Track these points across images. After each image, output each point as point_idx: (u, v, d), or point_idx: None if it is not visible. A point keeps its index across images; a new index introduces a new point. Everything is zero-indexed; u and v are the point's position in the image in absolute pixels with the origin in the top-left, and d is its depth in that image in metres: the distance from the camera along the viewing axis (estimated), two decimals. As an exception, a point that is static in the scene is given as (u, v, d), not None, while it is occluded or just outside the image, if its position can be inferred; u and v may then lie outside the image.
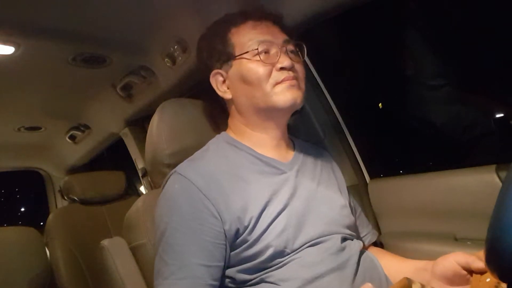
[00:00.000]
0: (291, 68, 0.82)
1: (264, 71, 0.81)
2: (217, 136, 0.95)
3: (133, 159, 2.01)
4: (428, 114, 1.44)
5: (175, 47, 1.29)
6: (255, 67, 0.82)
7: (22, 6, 1.05)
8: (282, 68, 0.81)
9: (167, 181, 0.82)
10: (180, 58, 1.31)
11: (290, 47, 0.86)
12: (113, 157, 2.76)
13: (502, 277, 0.48)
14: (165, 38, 1.30)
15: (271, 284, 0.74)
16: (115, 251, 1.12)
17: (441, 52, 1.35)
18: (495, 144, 1.31)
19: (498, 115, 1.36)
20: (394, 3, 1.34)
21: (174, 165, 0.86)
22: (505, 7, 1.07)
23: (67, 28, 1.20)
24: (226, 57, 0.86)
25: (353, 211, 0.94)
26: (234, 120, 0.91)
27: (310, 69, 1.29)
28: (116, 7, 1.13)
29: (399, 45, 1.44)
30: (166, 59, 1.35)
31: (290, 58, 0.83)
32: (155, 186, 1.36)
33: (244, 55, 0.83)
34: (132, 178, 2.48)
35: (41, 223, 2.99)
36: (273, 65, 0.82)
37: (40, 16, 1.12)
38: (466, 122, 1.37)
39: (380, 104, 1.45)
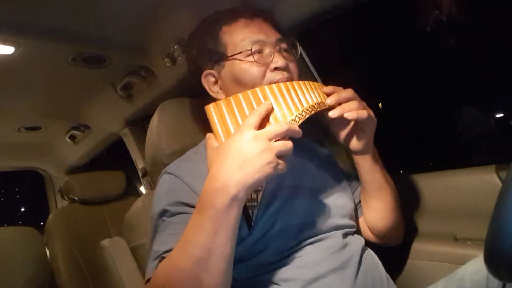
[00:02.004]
0: (285, 68, 0.80)
1: (258, 72, 0.79)
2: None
3: (133, 159, 2.01)
4: (428, 114, 1.44)
5: (175, 47, 1.29)
6: (248, 68, 0.80)
7: (22, 6, 1.05)
8: (276, 68, 0.79)
9: (158, 181, 0.84)
10: (180, 58, 1.31)
11: (284, 45, 0.84)
12: (113, 157, 2.75)
13: (502, 277, 0.48)
14: (165, 38, 1.30)
15: (272, 284, 0.73)
16: (115, 251, 1.13)
17: (441, 51, 1.34)
18: (495, 144, 1.31)
19: (498, 115, 1.36)
20: (393, 3, 1.34)
21: (174, 165, 0.86)
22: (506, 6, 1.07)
23: (67, 28, 1.20)
24: (218, 57, 0.83)
25: (356, 202, 0.93)
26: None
27: (310, 69, 1.28)
28: (116, 7, 1.12)
29: (399, 44, 1.44)
30: (166, 59, 1.35)
31: (284, 57, 0.81)
32: (155, 186, 1.35)
33: (237, 56, 0.81)
34: (132, 178, 2.47)
35: (41, 223, 2.99)
36: (267, 65, 0.80)
37: (40, 16, 1.11)
38: (466, 122, 1.37)
39: (380, 104, 1.45)
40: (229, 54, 0.82)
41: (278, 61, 0.79)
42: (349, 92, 0.77)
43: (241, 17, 0.84)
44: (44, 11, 1.09)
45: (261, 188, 0.71)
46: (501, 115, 1.35)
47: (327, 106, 0.76)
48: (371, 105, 0.82)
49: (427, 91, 1.43)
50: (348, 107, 0.75)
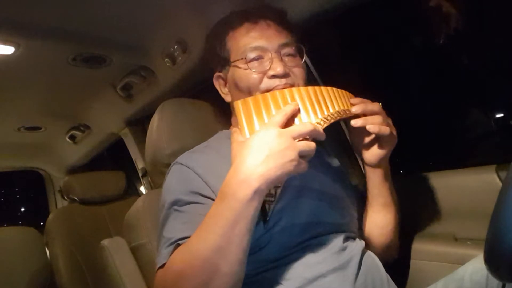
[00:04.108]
0: (284, 75, 0.80)
1: (255, 79, 0.80)
2: (219, 133, 0.95)
3: (133, 159, 2.00)
4: (429, 114, 1.44)
5: (175, 47, 1.29)
6: (245, 75, 0.81)
7: (22, 6, 1.05)
8: (273, 76, 0.80)
9: (169, 172, 0.84)
10: (180, 58, 1.31)
11: (287, 50, 0.83)
12: (113, 157, 2.75)
13: (502, 277, 0.49)
14: (165, 38, 1.30)
15: (274, 282, 0.74)
16: (115, 251, 1.13)
17: (441, 51, 1.34)
18: (495, 144, 1.31)
19: (498, 115, 1.36)
20: (394, 2, 1.34)
21: (174, 165, 0.86)
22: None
23: (67, 28, 1.20)
24: (224, 62, 0.86)
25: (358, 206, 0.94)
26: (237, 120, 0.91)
27: (310, 69, 1.28)
28: (116, 7, 1.12)
29: (399, 44, 1.44)
30: (166, 59, 1.35)
31: (285, 64, 0.81)
32: (155, 186, 1.35)
33: (237, 62, 0.82)
34: (132, 178, 2.47)
35: (41, 223, 2.99)
36: (264, 73, 0.80)
37: (40, 16, 1.11)
38: (466, 122, 1.37)
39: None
40: (231, 60, 0.84)
41: (277, 67, 0.79)
42: (376, 106, 0.78)
43: (246, 21, 0.84)
44: (44, 11, 1.09)
45: (280, 185, 0.72)
46: (501, 115, 1.34)
47: (352, 115, 0.76)
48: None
49: (427, 91, 1.43)
50: (372, 120, 0.76)
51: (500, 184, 0.85)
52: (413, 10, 1.34)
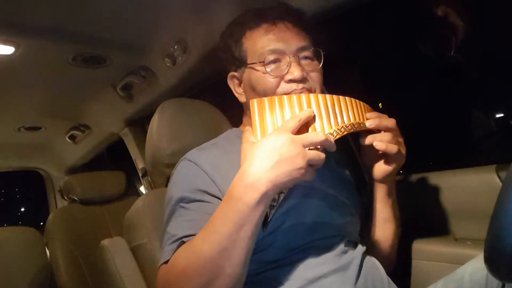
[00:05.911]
0: (302, 80, 0.79)
1: (272, 83, 0.79)
2: (228, 130, 0.95)
3: (133, 159, 2.01)
4: (429, 114, 1.44)
5: (175, 47, 1.29)
6: (262, 78, 0.80)
7: (22, 6, 1.05)
8: (291, 80, 0.79)
9: (176, 167, 0.84)
10: (180, 58, 1.31)
11: (305, 53, 0.82)
12: (113, 157, 2.75)
13: (502, 277, 0.49)
14: (165, 38, 1.30)
15: (275, 282, 0.74)
16: (115, 251, 1.12)
17: (441, 51, 1.34)
18: (495, 144, 1.31)
19: (498, 115, 1.36)
20: (395, 2, 1.34)
21: (174, 165, 0.86)
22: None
23: (67, 28, 1.20)
24: (239, 62, 0.85)
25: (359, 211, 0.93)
26: (249, 120, 0.90)
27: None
28: (116, 7, 1.13)
29: (399, 44, 1.44)
30: (166, 59, 1.35)
31: (303, 68, 0.80)
32: (155, 186, 1.35)
33: (254, 65, 0.81)
34: (132, 178, 2.47)
35: (41, 223, 2.99)
36: (281, 77, 0.79)
37: (40, 16, 1.12)
38: (466, 122, 1.37)
39: (380, 104, 1.45)
40: (248, 62, 0.83)
41: (294, 71, 0.78)
42: (390, 122, 0.77)
43: (264, 22, 0.83)
44: (44, 11, 1.09)
45: (284, 191, 0.72)
46: (501, 115, 1.35)
47: (365, 128, 0.76)
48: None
49: (427, 91, 1.43)
50: (380, 137, 0.76)
51: (500, 184, 0.85)
52: (413, 10, 1.34)
